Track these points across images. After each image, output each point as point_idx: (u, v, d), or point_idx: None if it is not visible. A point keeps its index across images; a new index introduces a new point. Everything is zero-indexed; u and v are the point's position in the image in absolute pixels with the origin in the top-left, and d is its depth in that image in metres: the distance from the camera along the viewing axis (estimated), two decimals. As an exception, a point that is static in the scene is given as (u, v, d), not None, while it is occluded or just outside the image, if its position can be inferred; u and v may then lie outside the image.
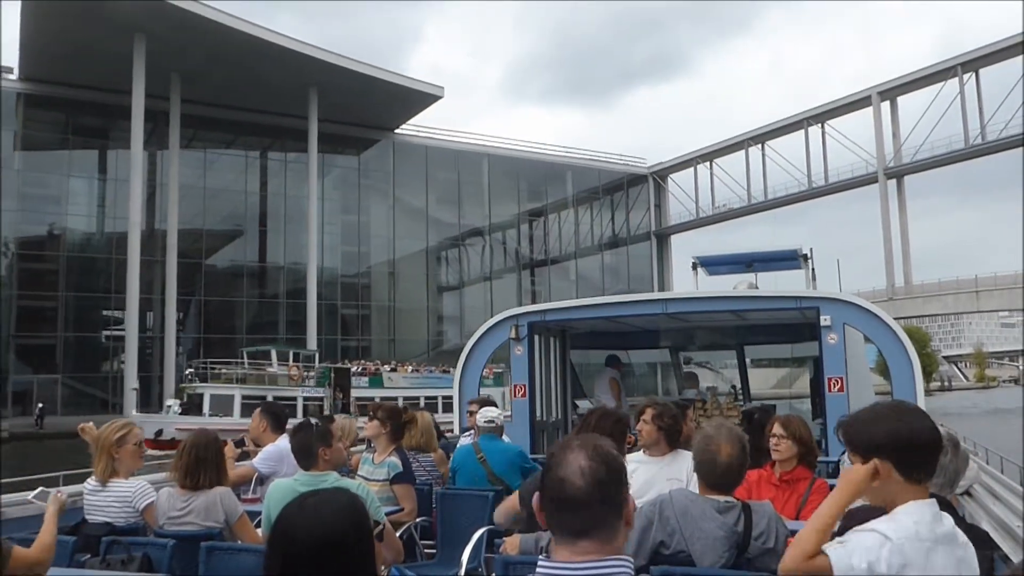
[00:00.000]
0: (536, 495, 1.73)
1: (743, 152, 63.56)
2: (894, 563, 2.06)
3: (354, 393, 38.26)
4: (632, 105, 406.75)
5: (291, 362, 38.94)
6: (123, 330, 43.25)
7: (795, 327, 9.79)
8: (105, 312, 48.92)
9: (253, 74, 45.89)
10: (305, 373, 38.52)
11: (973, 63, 50.99)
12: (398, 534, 4.61)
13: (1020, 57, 47.61)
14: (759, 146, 62.33)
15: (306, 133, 49.55)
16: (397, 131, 58.16)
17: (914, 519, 2.13)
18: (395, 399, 37.26)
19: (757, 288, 11.45)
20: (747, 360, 13.23)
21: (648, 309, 9.27)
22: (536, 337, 9.57)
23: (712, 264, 13.63)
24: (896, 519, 2.14)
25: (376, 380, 41.06)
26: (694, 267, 13.17)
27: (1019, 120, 48.04)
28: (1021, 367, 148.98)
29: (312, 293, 48.75)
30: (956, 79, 51.22)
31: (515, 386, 9.33)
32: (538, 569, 1.67)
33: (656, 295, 10.79)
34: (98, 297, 47.95)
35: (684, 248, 69.98)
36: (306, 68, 46.27)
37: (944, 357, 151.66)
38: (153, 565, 3.95)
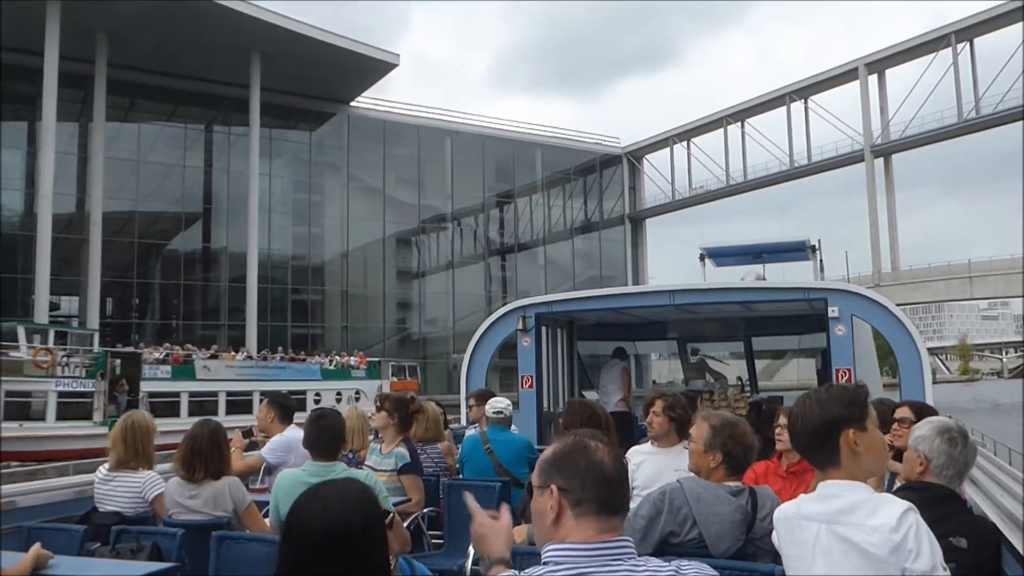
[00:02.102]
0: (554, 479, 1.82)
1: (722, 131, 60.03)
2: (777, 535, 2.45)
3: (148, 387, 29.70)
4: (620, 95, 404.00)
5: (50, 343, 28.35)
6: (54, 315, 39.46)
7: (803, 318, 9.82)
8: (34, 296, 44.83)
9: (188, 36, 41.65)
10: (68, 359, 28.22)
11: (968, 31, 47.36)
12: (405, 524, 4.79)
13: (1020, 24, 44.06)
14: (739, 124, 58.77)
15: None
16: (352, 104, 54.26)
17: (797, 500, 2.41)
18: (213, 395, 31.78)
19: (765, 279, 11.70)
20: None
21: (656, 301, 9.21)
22: (543, 328, 9.55)
23: (720, 255, 13.73)
24: (795, 499, 2.46)
25: (184, 370, 32.01)
26: (702, 258, 13.26)
27: (1018, 92, 44.62)
28: (1004, 359, 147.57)
29: (252, 277, 44.89)
30: (949, 49, 47.77)
31: (523, 377, 9.26)
32: (550, 554, 1.76)
33: (664, 286, 9.82)
34: (23, 279, 43.72)
35: (659, 233, 66.76)
36: (246, 30, 42.17)
37: (927, 349, 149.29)
38: (162, 554, 3.96)
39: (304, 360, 38.19)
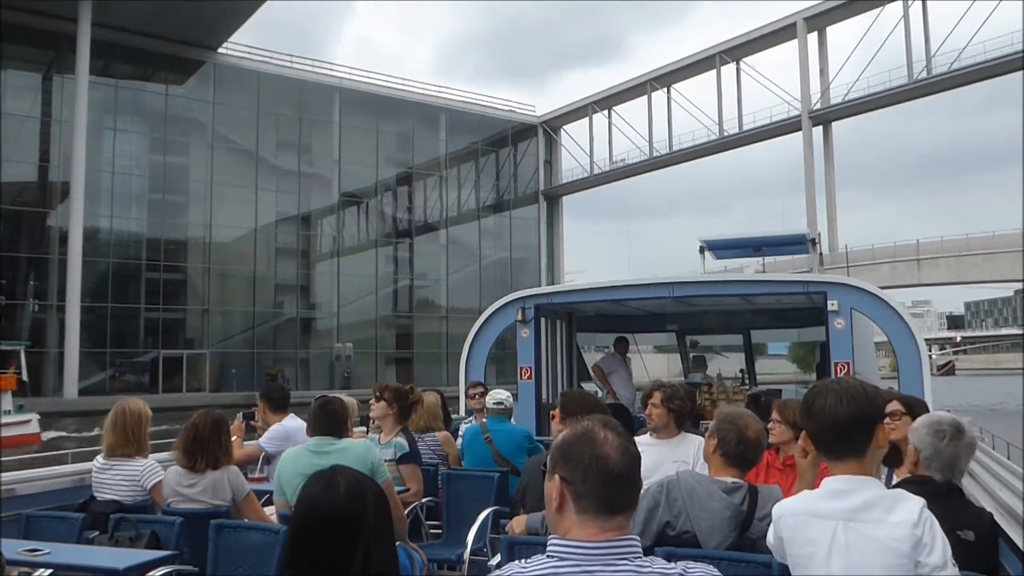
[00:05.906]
0: (558, 475, 1.73)
1: (645, 98, 53.83)
2: (778, 532, 2.32)
3: None
4: (566, 88, 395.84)
5: None
6: None
7: (802, 312, 9.94)
8: None
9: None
10: None
11: (921, -20, 41.74)
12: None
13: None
14: (664, 90, 52.61)
15: (100, 45, 37.68)
16: (220, 51, 46.53)
17: (800, 496, 2.35)
18: None
19: (765, 272, 12.10)
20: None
21: (655, 293, 9.12)
22: (543, 320, 9.57)
23: (719, 248, 13.61)
24: (796, 495, 2.42)
25: None
26: (701, 251, 13.14)
27: (975, 48, 39.36)
28: (933, 357, 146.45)
29: (76, 249, 37.09)
30: (899, 2, 42.19)
31: (522, 368, 9.25)
32: (554, 548, 1.68)
33: (664, 278, 8.95)
34: None
35: (576, 212, 60.33)
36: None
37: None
38: (161, 542, 3.97)
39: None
